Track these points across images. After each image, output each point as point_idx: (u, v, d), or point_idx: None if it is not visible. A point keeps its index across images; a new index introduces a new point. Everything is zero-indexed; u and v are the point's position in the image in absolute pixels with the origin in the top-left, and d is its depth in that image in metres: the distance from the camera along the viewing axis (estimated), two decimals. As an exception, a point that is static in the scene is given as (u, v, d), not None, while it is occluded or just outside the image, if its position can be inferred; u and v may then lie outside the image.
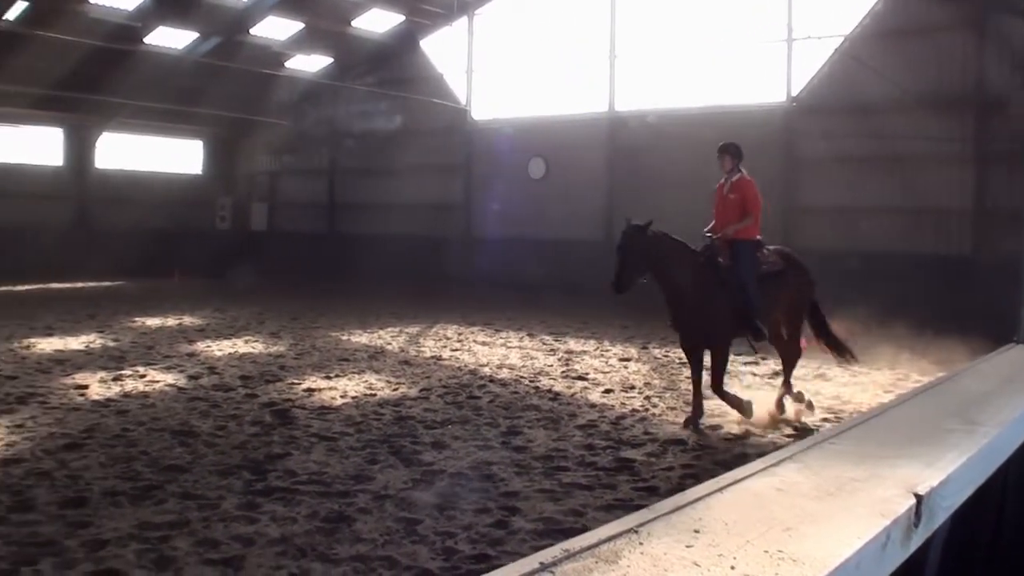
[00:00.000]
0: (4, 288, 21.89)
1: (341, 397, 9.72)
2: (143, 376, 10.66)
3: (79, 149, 28.95)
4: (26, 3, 21.84)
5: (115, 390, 9.79)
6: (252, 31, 25.56)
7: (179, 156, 31.96)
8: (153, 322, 16.20)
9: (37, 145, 28.39)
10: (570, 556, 1.35)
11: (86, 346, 13.08)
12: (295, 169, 31.61)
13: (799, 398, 9.08)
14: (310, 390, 9.98)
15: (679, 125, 21.64)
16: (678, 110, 22.28)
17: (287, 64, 28.19)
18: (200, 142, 32.30)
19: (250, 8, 24.34)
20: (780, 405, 9.06)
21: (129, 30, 24.09)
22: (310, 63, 28.76)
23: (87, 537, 5.25)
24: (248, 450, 7.28)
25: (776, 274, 8.97)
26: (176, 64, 26.04)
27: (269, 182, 32.54)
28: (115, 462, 6.85)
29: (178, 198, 30.29)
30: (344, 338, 14.67)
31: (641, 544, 1.42)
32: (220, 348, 13.19)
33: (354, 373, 11.30)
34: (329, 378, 10.83)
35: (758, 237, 8.94)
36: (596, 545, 1.40)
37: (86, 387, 9.88)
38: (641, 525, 1.50)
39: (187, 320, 16.65)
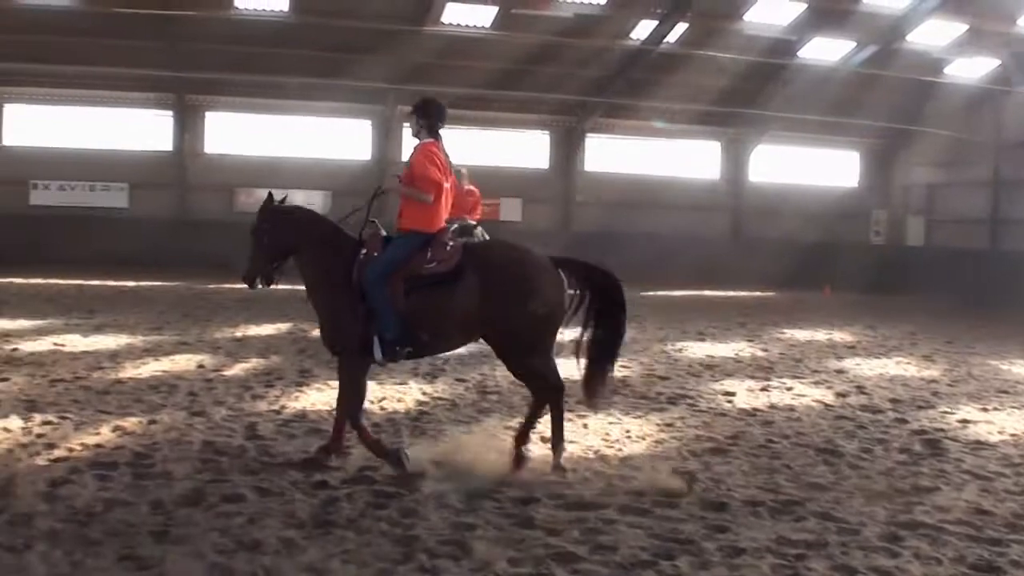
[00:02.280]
0: (662, 292, 23.64)
1: (998, 433, 8.66)
2: (790, 389, 10.65)
3: (734, 162, 30.74)
4: (686, 24, 23.89)
5: (762, 400, 9.91)
6: (910, 37, 24.60)
7: (833, 168, 31.98)
8: (802, 335, 16.26)
9: (697, 159, 30.83)
10: None
11: (735, 354, 13.51)
12: (955, 181, 29.48)
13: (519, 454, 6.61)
14: (964, 421, 9.12)
15: None
16: None
17: (947, 70, 26.62)
18: (856, 153, 32.02)
19: (909, 14, 23.47)
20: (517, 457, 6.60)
21: (784, 44, 24.95)
22: (973, 67, 26.75)
23: (724, 542, 5.34)
24: (894, 478, 6.85)
25: (444, 276, 6.45)
26: (830, 75, 26.17)
27: (927, 195, 30.91)
28: (757, 472, 6.90)
29: (831, 211, 30.18)
30: (1004, 367, 13.18)
31: None
32: (870, 367, 12.69)
33: (1014, 407, 10.04)
34: (986, 410, 9.78)
35: (448, 226, 6.71)
36: None
37: (733, 394, 10.12)
38: None
39: (837, 336, 16.38)
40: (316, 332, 7.60)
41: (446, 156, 6.88)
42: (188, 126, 27.54)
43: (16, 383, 9.02)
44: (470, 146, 28.55)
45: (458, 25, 24.76)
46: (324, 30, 24.16)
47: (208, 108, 27.98)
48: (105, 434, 7.17)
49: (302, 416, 8.16)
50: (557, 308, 6.69)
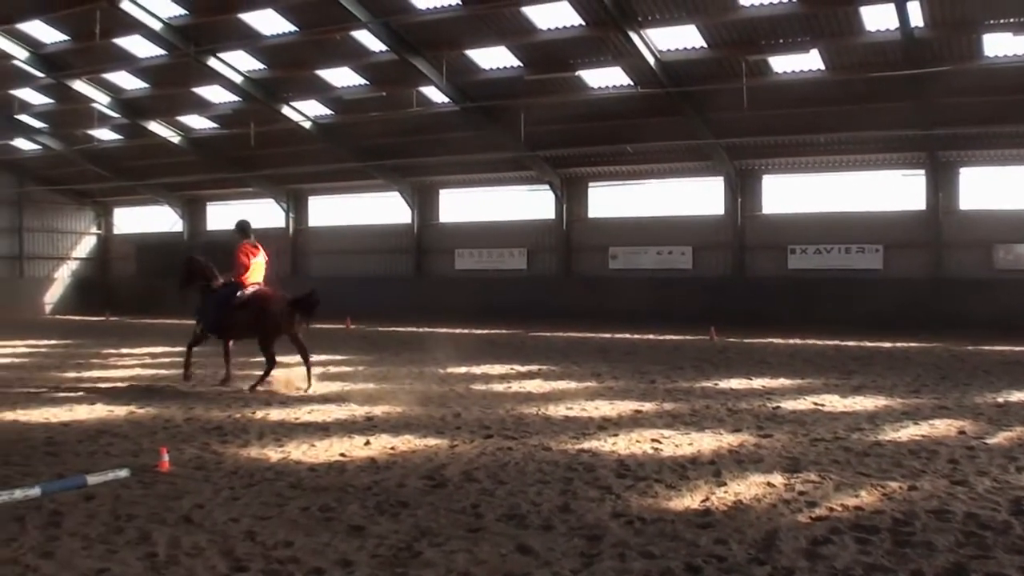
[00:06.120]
0: None
1: None
2: None
3: None
4: None
5: None
6: None
7: None
8: None
9: None
10: None
11: None
12: None
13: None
14: None
15: None
16: None
17: None
18: None
19: None
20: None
21: None
22: None
23: None
24: None
25: (241, 304, 13.85)
26: None
27: None
28: None
29: None
30: None
31: None
32: None
33: None
34: None
35: (244, 282, 13.98)
36: None
37: None
38: None
39: None
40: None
41: (254, 245, 14.23)
42: (941, 183, 26.69)
43: (778, 440, 9.46)
44: None
45: None
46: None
47: (962, 163, 26.82)
48: (865, 497, 7.06)
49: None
50: (277, 323, 13.73)
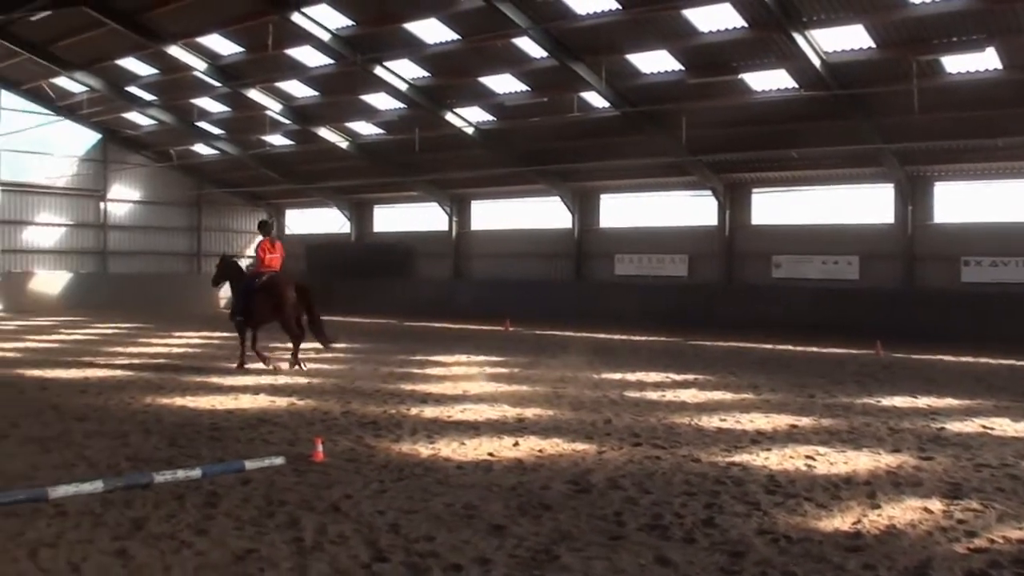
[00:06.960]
0: None
1: None
2: None
3: None
4: None
5: None
6: None
7: None
8: None
9: None
10: None
11: None
12: None
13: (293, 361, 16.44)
14: None
15: None
16: None
17: None
18: None
19: None
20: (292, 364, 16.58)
21: None
22: None
23: None
24: None
25: (257, 290, 16.07)
26: None
27: None
28: None
29: None
30: None
31: None
32: None
33: None
34: None
35: (262, 271, 16.44)
36: None
37: None
38: None
39: None
40: None
41: (271, 241, 16.86)
42: None
43: (940, 463, 8.98)
44: None
45: None
46: None
47: None
48: (1031, 529, 6.63)
49: None
50: (291, 303, 15.95)
